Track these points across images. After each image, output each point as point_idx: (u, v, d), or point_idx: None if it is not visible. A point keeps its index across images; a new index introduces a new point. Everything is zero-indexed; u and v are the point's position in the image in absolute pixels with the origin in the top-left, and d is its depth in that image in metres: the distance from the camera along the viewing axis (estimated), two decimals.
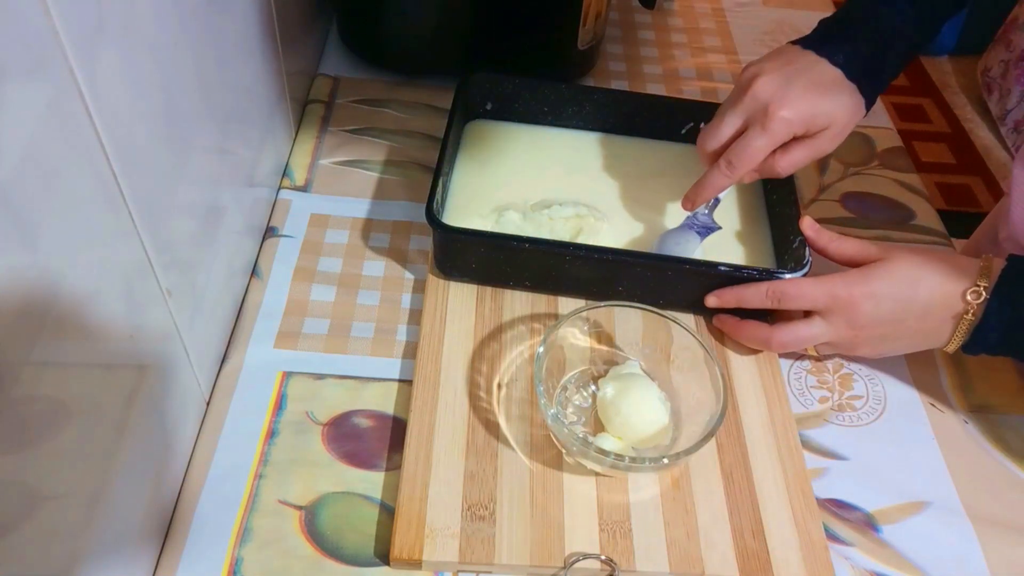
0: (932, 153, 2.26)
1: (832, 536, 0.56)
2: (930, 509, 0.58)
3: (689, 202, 0.66)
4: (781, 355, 0.65)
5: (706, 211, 0.68)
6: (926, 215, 0.80)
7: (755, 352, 0.64)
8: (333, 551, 0.53)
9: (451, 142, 0.70)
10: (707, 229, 0.67)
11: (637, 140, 0.79)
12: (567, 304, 0.66)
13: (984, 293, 0.54)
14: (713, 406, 0.55)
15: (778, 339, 0.61)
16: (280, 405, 0.59)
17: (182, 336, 0.52)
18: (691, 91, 0.92)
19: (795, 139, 0.62)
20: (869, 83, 0.62)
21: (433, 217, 0.62)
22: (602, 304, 0.60)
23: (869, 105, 0.63)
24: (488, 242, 0.64)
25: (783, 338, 0.61)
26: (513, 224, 0.68)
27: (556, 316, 0.65)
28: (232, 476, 0.55)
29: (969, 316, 0.55)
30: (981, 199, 2.14)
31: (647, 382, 0.58)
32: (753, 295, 0.61)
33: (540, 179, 0.74)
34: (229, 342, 0.63)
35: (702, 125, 0.77)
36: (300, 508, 0.54)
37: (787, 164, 0.63)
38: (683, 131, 0.78)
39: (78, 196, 0.38)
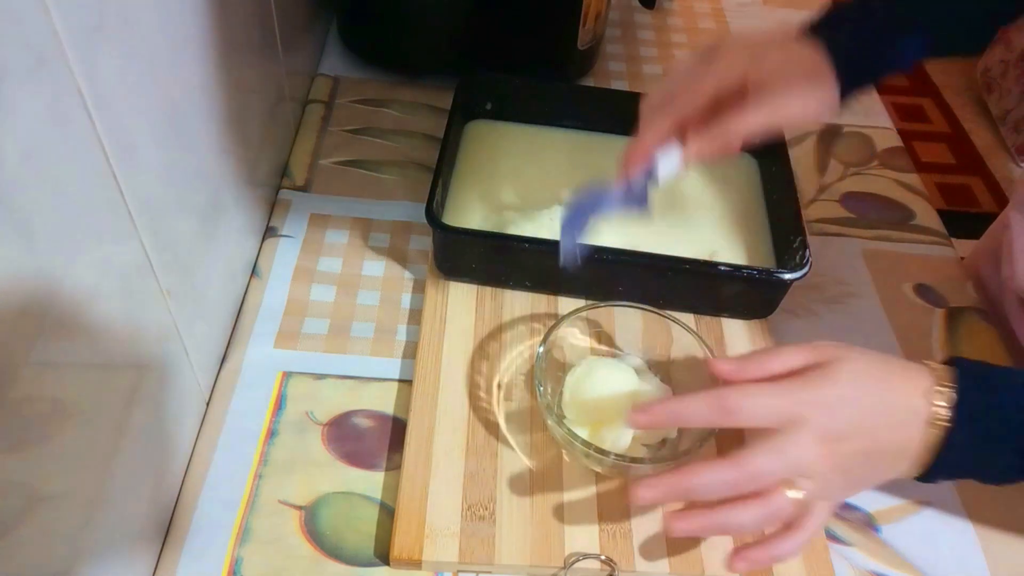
0: (932, 153, 2.26)
1: (832, 536, 0.56)
2: (930, 509, 0.58)
3: (627, 164, 0.54)
4: None
5: (642, 184, 0.54)
6: (926, 215, 0.80)
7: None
8: (333, 551, 0.53)
9: (451, 142, 0.70)
10: (637, 202, 0.54)
11: None
12: (567, 304, 0.66)
13: (948, 400, 0.44)
14: None
15: (755, 464, 0.44)
16: (280, 405, 0.59)
17: (182, 336, 0.52)
18: None
19: (749, 101, 0.52)
20: (836, 41, 0.53)
21: (433, 217, 0.62)
22: (602, 304, 0.60)
23: (838, 64, 0.53)
24: (488, 242, 0.64)
25: (760, 463, 0.44)
26: (513, 224, 0.68)
27: (556, 316, 0.65)
28: (232, 476, 0.55)
29: (939, 424, 0.44)
30: (981, 199, 2.15)
31: (609, 360, 0.58)
32: (694, 410, 0.46)
33: (540, 179, 0.74)
34: (229, 342, 0.63)
35: None
36: (300, 508, 0.54)
37: (738, 125, 0.52)
38: None
39: (78, 196, 0.38)
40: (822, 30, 0.55)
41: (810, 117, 0.53)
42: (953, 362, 0.46)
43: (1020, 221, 0.67)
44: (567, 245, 0.55)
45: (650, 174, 0.53)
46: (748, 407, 0.45)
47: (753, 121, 0.52)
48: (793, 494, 0.45)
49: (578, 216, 0.56)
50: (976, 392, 0.45)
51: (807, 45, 0.54)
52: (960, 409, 0.44)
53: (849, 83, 0.54)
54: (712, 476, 0.45)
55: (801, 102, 0.53)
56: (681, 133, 0.53)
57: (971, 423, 0.44)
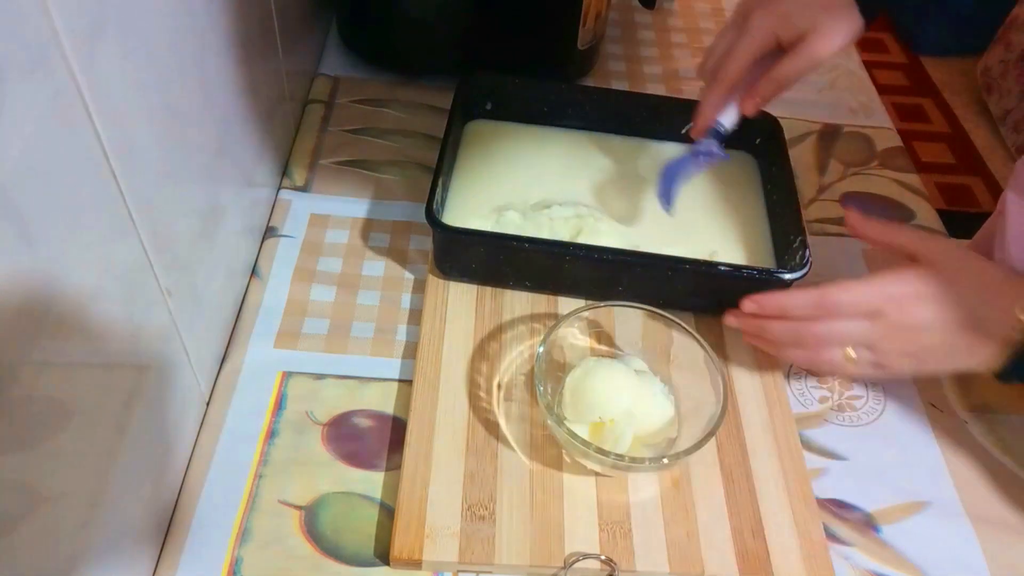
0: (932, 153, 2.26)
1: (832, 536, 0.56)
2: (930, 509, 0.58)
3: (695, 129, 0.65)
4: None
5: (711, 138, 0.66)
6: (926, 215, 0.80)
7: (755, 351, 0.64)
8: (333, 551, 0.53)
9: (451, 142, 0.70)
10: (711, 155, 0.66)
11: (637, 140, 0.79)
12: (567, 304, 0.66)
13: None
14: (713, 406, 0.55)
15: (814, 331, 0.56)
16: (280, 405, 0.59)
17: (182, 336, 0.52)
18: (691, 91, 0.92)
19: (785, 51, 0.60)
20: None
21: (433, 217, 0.62)
22: (602, 304, 0.60)
23: (867, 18, 0.59)
24: (488, 242, 0.64)
25: (820, 331, 0.56)
26: (513, 224, 0.68)
27: (556, 316, 0.65)
28: (232, 476, 0.55)
29: (1017, 335, 0.50)
30: (981, 199, 2.14)
31: (609, 361, 0.59)
32: (799, 304, 0.56)
33: (540, 179, 0.74)
34: (229, 342, 0.63)
35: None
36: (300, 508, 0.54)
37: (779, 76, 0.61)
38: (683, 131, 0.78)
39: (78, 196, 0.38)
40: None
41: (840, 48, 0.60)
42: None
43: (1016, 203, 0.67)
44: (662, 198, 0.69)
45: (717, 131, 0.65)
46: (844, 301, 0.54)
47: (792, 69, 0.60)
48: (850, 353, 0.55)
49: (668, 175, 0.68)
50: None
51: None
52: None
53: (870, 7, 0.60)
54: (799, 302, 0.56)
55: (829, 41, 0.59)
56: (733, 90, 0.64)
57: None
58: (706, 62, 0.64)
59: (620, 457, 0.52)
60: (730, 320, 0.60)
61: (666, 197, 0.68)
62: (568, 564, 0.52)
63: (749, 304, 0.58)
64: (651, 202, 0.74)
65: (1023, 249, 0.65)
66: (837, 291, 0.54)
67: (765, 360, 0.64)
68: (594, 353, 0.61)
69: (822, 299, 0.55)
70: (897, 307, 0.53)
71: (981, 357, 0.53)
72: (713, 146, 0.65)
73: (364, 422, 0.59)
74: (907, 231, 0.57)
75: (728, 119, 0.65)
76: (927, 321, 0.53)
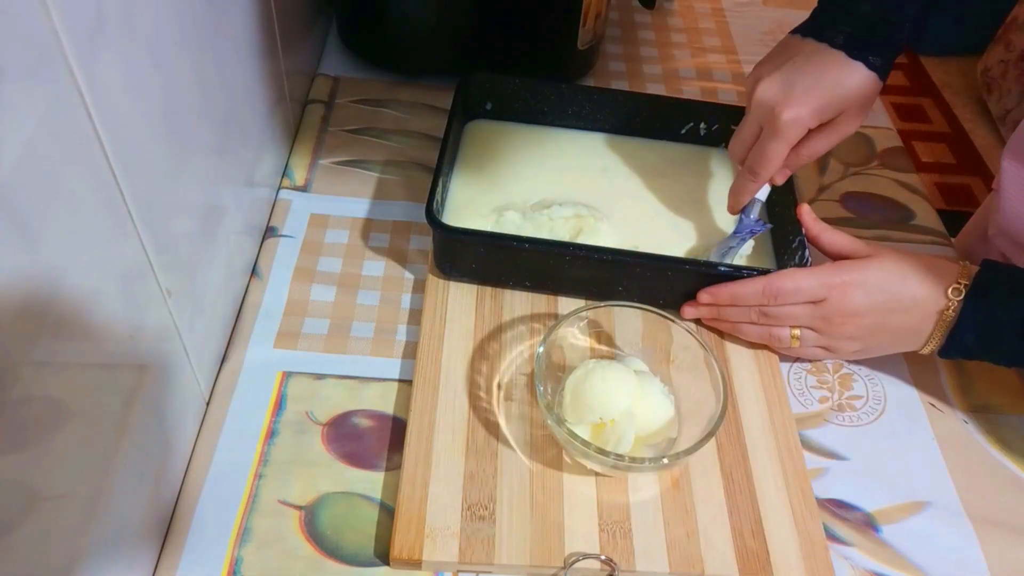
0: (932, 153, 2.26)
1: (832, 536, 0.56)
2: (930, 509, 0.58)
3: (730, 208, 0.68)
4: (782, 358, 0.65)
5: (751, 214, 0.67)
6: (926, 215, 0.80)
7: (755, 350, 0.64)
8: (333, 551, 0.53)
9: (451, 142, 0.70)
10: (751, 231, 0.67)
11: (637, 140, 0.79)
12: (567, 304, 0.66)
13: (964, 291, 0.56)
14: (713, 406, 0.55)
15: (764, 312, 0.61)
16: (280, 405, 0.59)
17: (182, 336, 0.52)
18: (691, 91, 0.92)
19: (813, 129, 0.61)
20: (878, 56, 0.60)
21: (433, 217, 0.62)
22: (602, 304, 0.60)
23: (884, 75, 0.61)
24: (488, 242, 0.64)
25: (768, 312, 0.61)
26: (513, 224, 0.68)
27: (556, 316, 0.65)
28: (232, 476, 0.55)
29: (950, 312, 0.57)
30: (981, 199, 2.13)
31: (609, 362, 0.59)
32: (749, 293, 0.61)
33: (540, 179, 0.74)
34: (229, 342, 0.63)
35: (702, 125, 0.78)
36: (300, 508, 0.54)
37: (811, 154, 0.63)
38: (683, 131, 0.78)
39: (78, 196, 0.38)
40: (844, 34, 0.61)
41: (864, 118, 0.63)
42: (984, 263, 0.57)
43: (1010, 167, 0.68)
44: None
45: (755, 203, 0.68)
46: (788, 288, 0.59)
47: (822, 148, 0.63)
48: (795, 333, 0.62)
49: (720, 257, 0.68)
50: (988, 287, 0.56)
51: (855, 69, 0.60)
52: (968, 301, 0.56)
53: (886, 67, 0.61)
54: (748, 291, 0.61)
55: (861, 117, 0.62)
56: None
57: (976, 313, 0.56)
58: (736, 149, 0.65)
59: (620, 457, 0.52)
60: (688, 312, 0.65)
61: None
62: (568, 564, 0.52)
63: (705, 296, 0.63)
64: (651, 202, 0.74)
65: (1016, 209, 0.67)
66: (781, 279, 0.60)
67: (765, 361, 0.64)
68: (594, 353, 0.61)
69: (768, 286, 0.60)
70: (839, 293, 0.59)
71: (921, 338, 0.59)
72: (753, 222, 0.67)
73: (364, 422, 0.59)
74: (849, 236, 0.62)
75: (763, 193, 0.67)
76: (868, 305, 0.58)
